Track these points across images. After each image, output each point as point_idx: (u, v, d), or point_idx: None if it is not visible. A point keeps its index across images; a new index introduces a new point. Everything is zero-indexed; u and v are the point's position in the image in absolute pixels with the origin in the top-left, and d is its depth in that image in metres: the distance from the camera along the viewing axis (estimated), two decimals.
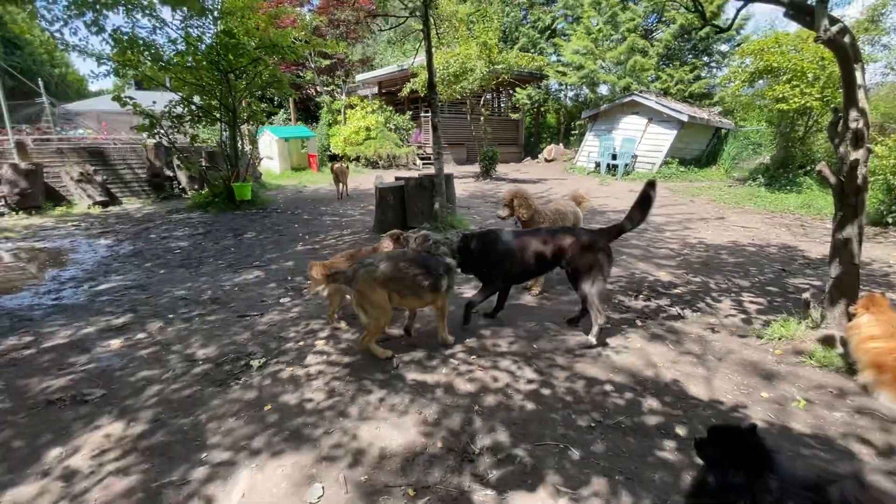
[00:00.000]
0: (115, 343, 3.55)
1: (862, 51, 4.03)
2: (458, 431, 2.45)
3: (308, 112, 21.47)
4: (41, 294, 4.78)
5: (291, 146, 16.09)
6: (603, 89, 19.79)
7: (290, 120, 19.82)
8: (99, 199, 9.79)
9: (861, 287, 3.28)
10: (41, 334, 3.71)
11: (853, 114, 2.95)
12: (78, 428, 2.51)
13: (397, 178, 7.54)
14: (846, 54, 2.92)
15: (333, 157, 17.11)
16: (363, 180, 14.41)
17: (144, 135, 9.21)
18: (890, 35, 13.34)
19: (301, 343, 3.52)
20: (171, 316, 4.07)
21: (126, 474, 2.17)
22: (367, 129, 18.10)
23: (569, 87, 22.42)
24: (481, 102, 18.86)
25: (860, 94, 2.92)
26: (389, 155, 17.96)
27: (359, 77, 21.96)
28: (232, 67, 8.73)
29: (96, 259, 6.15)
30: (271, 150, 15.47)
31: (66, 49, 8.02)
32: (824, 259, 5.75)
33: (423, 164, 18.70)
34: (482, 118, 17.12)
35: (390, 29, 13.74)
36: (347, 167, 10.93)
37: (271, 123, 18.35)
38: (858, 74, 2.93)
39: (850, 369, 2.94)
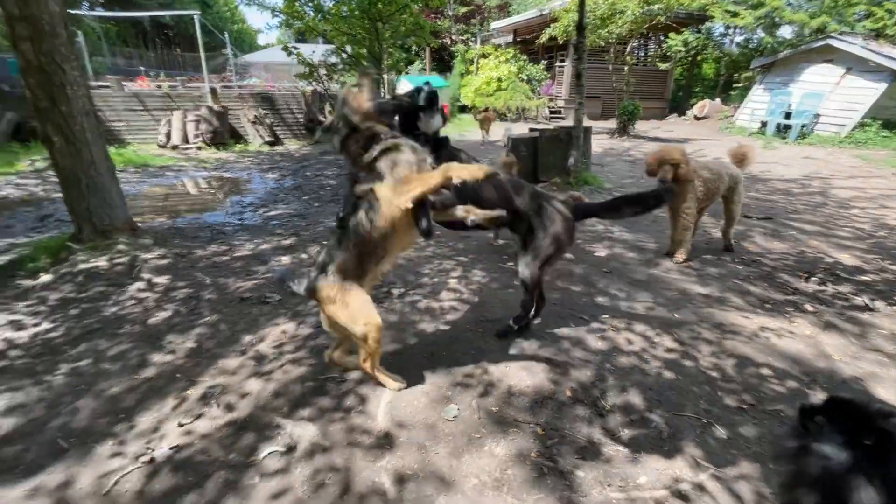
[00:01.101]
0: (286, 259, 4.20)
1: None
2: (588, 385, 2.44)
3: (442, 62, 21.61)
4: (230, 214, 5.81)
5: None
6: (785, 32, 16.28)
7: (424, 69, 20.22)
8: (267, 139, 11.33)
9: None
10: (232, 246, 4.54)
11: None
12: (263, 322, 3.07)
13: (531, 129, 7.31)
14: None
15: (472, 109, 17.14)
16: (492, 132, 14.29)
17: (303, 82, 10.24)
18: None
19: (435, 280, 3.76)
20: (325, 242, 4.65)
21: (299, 364, 2.61)
22: (499, 79, 17.66)
23: (738, 30, 18.86)
24: (626, 50, 16.95)
25: None
26: (519, 107, 17.40)
27: (494, 24, 21.24)
28: (381, 15, 9.09)
29: (267, 189, 7.21)
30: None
31: (247, 3, 9.12)
32: None
33: (552, 118, 17.78)
34: (626, 68, 15.43)
35: None
36: (493, 115, 11.23)
37: (408, 73, 18.93)
38: None
39: None
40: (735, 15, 16.13)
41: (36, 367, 2.57)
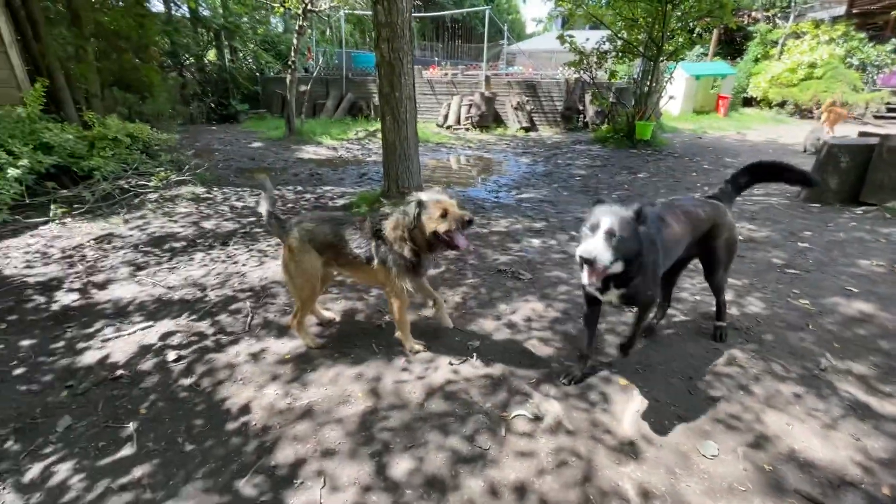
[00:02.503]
0: (536, 242, 4.44)
1: None
2: None
3: (731, 45, 18.32)
4: (488, 192, 6.47)
5: (700, 85, 14.41)
6: None
7: (705, 55, 17.58)
8: (524, 124, 12.03)
9: None
10: (490, 221, 5.06)
11: None
12: (515, 296, 3.35)
13: (862, 134, 5.54)
14: None
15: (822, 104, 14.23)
16: (784, 132, 11.55)
17: (568, 70, 10.32)
18: None
19: (696, 298, 3.35)
20: (574, 233, 4.70)
21: (546, 344, 2.76)
22: (812, 65, 13.88)
23: None
24: None
25: None
26: (836, 102, 13.36)
27: None
28: None
29: (519, 173, 7.70)
30: (675, 89, 14.39)
31: None
32: None
33: (889, 117, 13.02)
34: None
35: None
36: (844, 111, 9.19)
37: (684, 59, 16.83)
38: None
39: None
40: None
41: (361, 286, 3.47)
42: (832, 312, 3.11)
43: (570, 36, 9.70)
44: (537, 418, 2.16)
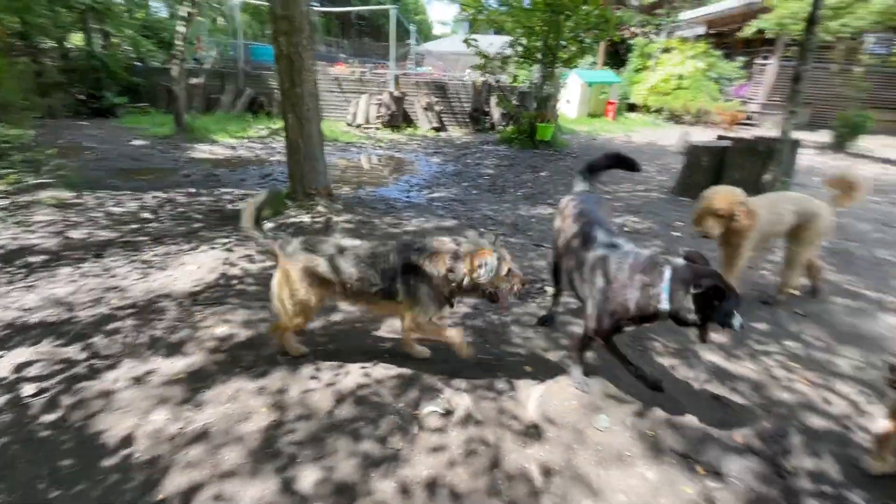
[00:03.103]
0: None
1: None
2: (767, 438, 2.15)
3: (616, 56, 20.27)
4: (400, 192, 6.46)
5: (593, 91, 15.78)
6: None
7: (595, 64, 19.26)
8: (434, 125, 12.20)
9: None
10: (402, 220, 5.06)
11: None
12: None
13: (720, 137, 6.48)
14: None
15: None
16: (661, 135, 13.07)
17: (475, 73, 10.67)
18: None
19: None
20: (482, 230, 4.86)
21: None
22: (680, 76, 15.89)
23: None
24: (860, 48, 13.65)
25: None
26: (700, 110, 15.46)
27: (684, 15, 19.07)
28: (564, 8, 8.92)
29: (430, 172, 7.80)
30: (571, 94, 15.60)
31: None
32: None
33: (741, 125, 15.38)
34: (859, 69, 12.45)
35: None
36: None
37: (577, 67, 18.28)
38: None
39: None
40: None
41: (262, 294, 3.27)
42: None
43: (475, 40, 10.04)
44: (448, 412, 2.21)
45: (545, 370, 2.56)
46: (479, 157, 9.15)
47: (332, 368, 2.49)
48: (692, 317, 1.92)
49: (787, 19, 11.11)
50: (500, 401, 2.31)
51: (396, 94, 11.96)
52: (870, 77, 13.58)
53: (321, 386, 2.35)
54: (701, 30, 19.09)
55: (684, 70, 15.87)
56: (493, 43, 10.48)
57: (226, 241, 4.25)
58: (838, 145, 11.22)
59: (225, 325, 2.84)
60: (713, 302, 1.87)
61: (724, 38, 17.29)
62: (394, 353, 2.64)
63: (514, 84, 11.35)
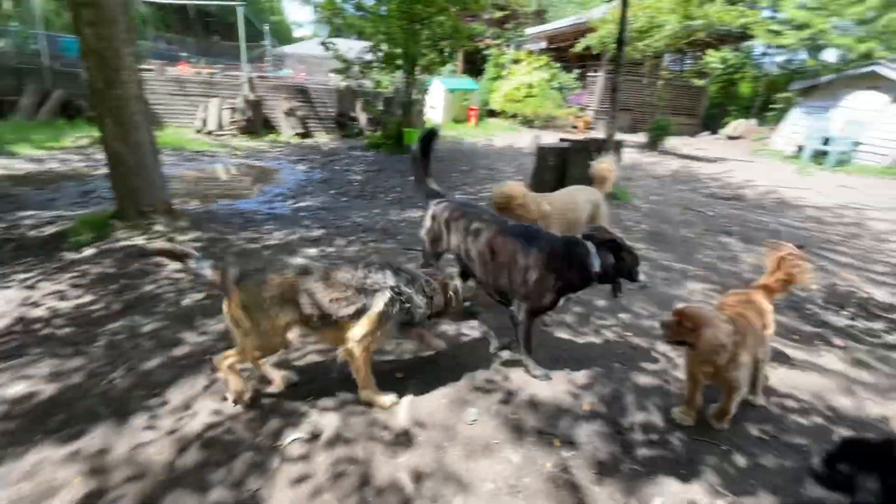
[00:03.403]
0: (313, 251, 4.29)
1: None
2: (608, 401, 2.45)
3: (473, 65, 21.63)
4: (261, 203, 5.96)
5: (455, 98, 16.58)
6: (829, 55, 15.81)
7: (456, 71, 20.28)
8: (298, 130, 11.57)
9: None
10: (262, 234, 4.66)
11: None
12: None
13: (562, 140, 7.29)
14: None
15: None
16: (518, 138, 14.28)
17: (338, 77, 10.41)
18: None
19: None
20: (352, 237, 4.74)
21: (325, 355, 2.68)
22: (530, 85, 17.60)
23: (780, 50, 18.38)
24: (661, 64, 16.71)
25: None
26: (548, 115, 17.32)
27: (528, 30, 21.18)
28: (419, 17, 9.18)
29: (296, 180, 7.37)
30: (436, 101, 16.18)
31: None
32: None
33: (580, 128, 17.64)
34: (659, 82, 15.22)
35: None
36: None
37: (440, 74, 19.03)
38: None
39: None
40: (778, 34, 15.75)
41: (77, 338, 2.70)
42: None
43: (333, 44, 9.79)
44: (315, 436, 2.07)
45: (416, 373, 2.57)
46: (348, 164, 8.93)
47: (174, 412, 2.15)
48: (613, 272, 2.41)
49: (606, 38, 13.05)
50: (371, 413, 2.24)
51: (252, 97, 11.06)
52: (668, 88, 16.69)
53: (159, 436, 2.01)
54: (543, 44, 21.43)
55: (532, 80, 17.61)
56: (352, 48, 10.32)
57: (26, 276, 3.43)
58: (652, 145, 13.55)
59: (21, 383, 2.27)
60: (624, 256, 2.40)
61: (562, 52, 19.63)
62: (251, 382, 2.39)
63: (379, 89, 11.35)
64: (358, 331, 2.11)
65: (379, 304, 2.13)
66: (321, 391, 2.35)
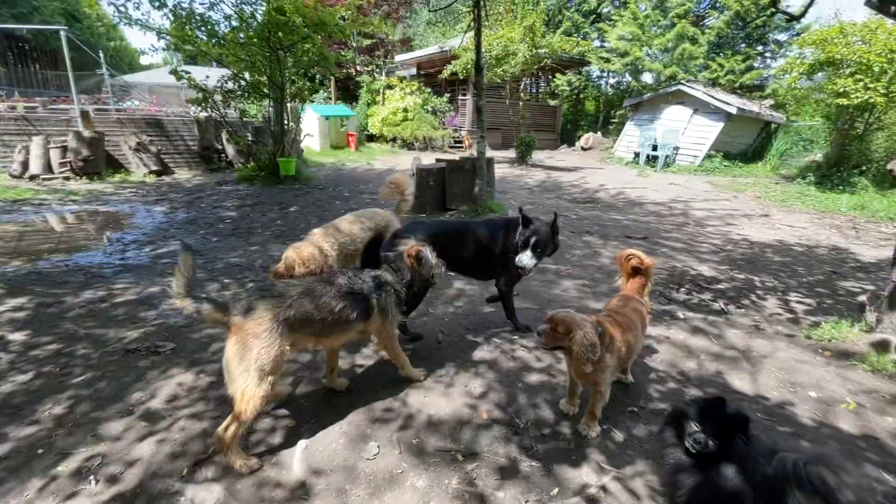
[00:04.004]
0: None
1: None
2: (503, 405, 2.56)
3: (348, 91, 21.64)
4: (109, 254, 5.14)
5: (331, 125, 16.35)
6: (647, 77, 19.09)
7: (330, 98, 20.07)
8: (154, 167, 10.29)
9: None
10: (113, 290, 4.01)
11: None
12: (155, 376, 2.75)
13: (438, 160, 7.61)
14: None
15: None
16: (399, 161, 14.56)
17: (196, 108, 9.57)
18: None
19: None
20: (227, 280, 4.33)
21: (200, 419, 2.38)
22: (405, 110, 18.14)
23: (611, 74, 21.75)
24: (520, 87, 18.53)
25: None
26: (426, 137, 17.99)
27: (398, 57, 21.93)
28: (282, 44, 8.92)
29: (155, 224, 6.52)
30: (312, 128, 15.77)
31: (128, 23, 8.37)
32: (880, 263, 5.51)
33: (456, 148, 18.66)
34: (520, 103, 16.86)
35: (438, 10, 13.63)
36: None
37: (313, 101, 18.64)
38: None
39: None
40: (607, 61, 18.65)
41: None
42: (443, 295, 4.07)
43: (187, 72, 8.98)
44: None
45: (308, 416, 2.41)
46: (217, 200, 8.19)
47: None
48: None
49: (468, 65, 14.07)
50: (261, 472, 2.03)
51: (88, 133, 9.56)
52: (529, 108, 18.56)
53: None
54: (414, 70, 22.33)
55: (407, 104, 18.19)
56: (209, 76, 9.60)
57: None
58: (521, 159, 14.86)
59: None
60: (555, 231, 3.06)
61: (432, 77, 20.67)
62: (108, 467, 2.01)
63: (247, 119, 10.68)
64: (381, 330, 2.49)
65: (377, 303, 2.41)
66: (198, 462, 2.07)
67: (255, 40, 8.85)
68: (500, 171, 12.99)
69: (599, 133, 20.53)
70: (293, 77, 9.91)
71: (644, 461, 2.16)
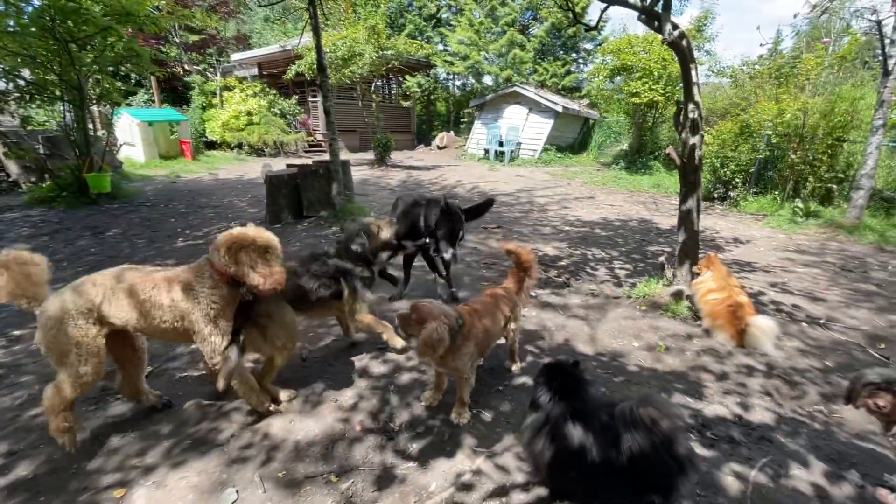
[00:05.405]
0: None
1: None
2: (376, 412, 2.49)
3: (176, 93, 18.98)
4: None
5: (158, 131, 14.09)
6: (488, 80, 20.76)
7: (153, 101, 17.34)
8: None
9: (699, 250, 4.02)
10: None
11: (691, 106, 3.57)
12: None
13: (289, 166, 7.13)
14: (685, 55, 3.50)
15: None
16: (248, 169, 13.35)
17: None
18: (711, 42, 16.16)
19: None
20: (17, 333, 3.41)
21: None
22: (249, 113, 16.63)
23: (456, 76, 23.11)
24: (372, 89, 18.45)
25: (695, 90, 3.54)
26: (277, 142, 16.77)
27: (234, 56, 20.02)
28: (73, 36, 7.35)
29: None
30: (132, 136, 13.36)
31: None
32: (673, 229, 6.88)
33: (313, 151, 17.85)
34: (373, 105, 16.80)
35: (268, 5, 12.73)
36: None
37: (129, 105, 15.85)
38: (694, 73, 3.54)
39: (696, 317, 3.61)
40: (451, 64, 19.75)
41: None
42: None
43: None
44: None
45: (145, 475, 2.02)
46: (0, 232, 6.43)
47: None
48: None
49: (313, 65, 13.49)
50: None
51: None
52: (383, 109, 18.64)
53: None
54: (255, 70, 20.58)
55: (251, 107, 16.70)
56: None
57: None
58: (380, 160, 14.84)
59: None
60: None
61: (276, 78, 19.32)
62: None
63: (33, 127, 8.57)
64: (356, 307, 2.75)
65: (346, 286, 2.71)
66: None
67: (32, 29, 7.12)
68: (360, 173, 12.80)
69: (452, 132, 21.65)
70: (96, 76, 8.27)
71: (511, 435, 2.31)
